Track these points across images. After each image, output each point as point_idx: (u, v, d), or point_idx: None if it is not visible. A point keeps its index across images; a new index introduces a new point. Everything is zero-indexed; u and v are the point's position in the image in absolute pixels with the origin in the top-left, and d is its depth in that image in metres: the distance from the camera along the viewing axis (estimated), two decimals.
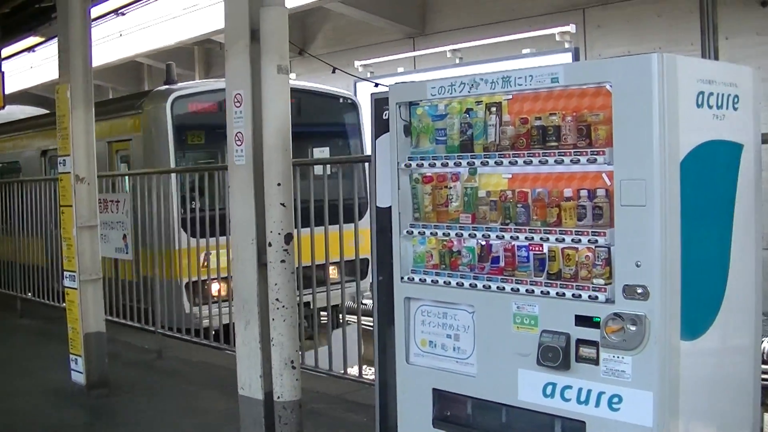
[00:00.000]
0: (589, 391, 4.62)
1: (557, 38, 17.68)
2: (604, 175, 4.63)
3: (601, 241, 4.54)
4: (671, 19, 17.20)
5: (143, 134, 13.74)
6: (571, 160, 4.63)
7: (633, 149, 4.40)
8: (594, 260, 4.60)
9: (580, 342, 4.63)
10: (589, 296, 4.59)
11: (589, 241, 4.58)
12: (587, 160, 4.58)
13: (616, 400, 4.53)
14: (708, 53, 16.00)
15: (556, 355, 4.66)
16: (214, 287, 10.80)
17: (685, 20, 16.73)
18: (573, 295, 4.66)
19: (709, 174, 4.70)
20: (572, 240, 4.64)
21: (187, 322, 11.92)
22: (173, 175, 12.41)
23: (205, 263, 10.69)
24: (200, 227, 10.67)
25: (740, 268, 4.87)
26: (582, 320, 4.62)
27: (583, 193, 4.66)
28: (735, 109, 4.82)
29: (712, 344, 4.72)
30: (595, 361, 4.57)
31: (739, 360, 5.03)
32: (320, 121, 14.85)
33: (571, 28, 17.58)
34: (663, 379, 4.41)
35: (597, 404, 4.60)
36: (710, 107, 4.65)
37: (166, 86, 14.03)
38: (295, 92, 9.55)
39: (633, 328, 4.40)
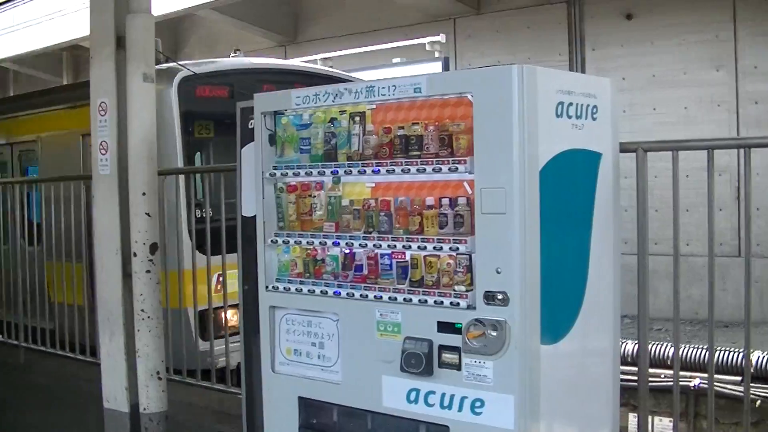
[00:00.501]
0: (452, 396, 4.69)
1: (427, 47, 17.86)
2: (465, 183, 4.69)
3: (462, 248, 4.60)
4: (540, 30, 17.58)
5: None
6: (433, 169, 4.69)
7: (493, 158, 4.48)
8: (455, 267, 4.66)
9: (443, 348, 4.69)
10: (451, 303, 4.65)
11: (450, 248, 4.64)
12: (449, 169, 4.64)
13: (478, 404, 4.61)
14: (575, 64, 16.45)
15: (419, 361, 4.70)
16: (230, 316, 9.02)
17: (554, 31, 17.15)
18: (435, 302, 4.71)
19: (568, 182, 4.81)
20: (434, 248, 4.70)
21: (200, 361, 8.99)
22: (181, 177, 9.26)
23: (219, 287, 8.56)
24: (211, 241, 8.02)
25: (599, 272, 5.00)
26: (444, 326, 4.68)
27: (445, 201, 4.72)
28: (594, 119, 4.94)
29: (571, 347, 4.83)
30: (458, 367, 4.64)
31: (598, 362, 5.15)
32: None
33: (441, 38, 17.78)
34: (523, 382, 4.50)
35: (460, 409, 4.66)
36: (569, 117, 4.76)
37: (167, 65, 10.55)
38: (292, 75, 9.33)
39: (494, 333, 4.48)
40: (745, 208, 5.29)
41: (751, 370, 10.11)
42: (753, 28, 14.27)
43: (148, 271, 6.62)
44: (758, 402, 9.78)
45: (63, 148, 11.71)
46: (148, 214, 6.63)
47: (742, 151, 5.34)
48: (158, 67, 8.89)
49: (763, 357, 10.44)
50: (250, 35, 22.44)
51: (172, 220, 8.89)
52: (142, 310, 6.63)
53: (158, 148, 7.07)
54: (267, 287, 5.46)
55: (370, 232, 5.00)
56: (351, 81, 10.55)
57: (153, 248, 6.62)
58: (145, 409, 6.68)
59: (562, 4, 17.01)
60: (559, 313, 4.71)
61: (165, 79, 9.83)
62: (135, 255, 6.63)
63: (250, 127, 5.65)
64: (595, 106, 4.94)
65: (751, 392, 9.49)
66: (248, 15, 21.73)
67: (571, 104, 4.76)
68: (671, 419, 8.45)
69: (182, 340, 8.33)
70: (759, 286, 12.25)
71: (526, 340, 4.48)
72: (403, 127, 4.88)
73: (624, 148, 5.26)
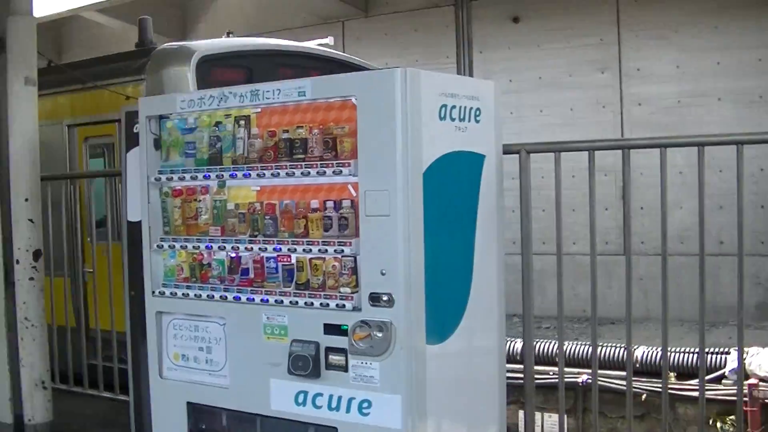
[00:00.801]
0: (339, 398, 4.71)
1: None
2: (349, 186, 4.72)
3: (347, 250, 4.63)
4: (428, 32, 17.69)
5: None
6: (317, 172, 4.71)
7: (377, 161, 4.52)
8: (341, 270, 4.69)
9: (330, 350, 4.71)
10: (337, 305, 4.68)
11: (335, 251, 4.67)
12: (333, 172, 4.67)
13: (366, 405, 4.64)
14: (463, 66, 16.59)
15: (306, 363, 4.72)
16: None
17: (442, 34, 17.28)
18: (321, 304, 4.74)
19: (452, 184, 4.87)
20: (319, 250, 4.72)
21: None
22: None
23: None
24: None
25: (483, 272, 5.07)
26: (330, 329, 4.71)
27: (329, 204, 4.75)
28: (477, 121, 5.01)
29: (457, 347, 4.89)
30: (345, 368, 4.67)
31: (484, 360, 5.22)
32: None
33: (329, 40, 17.76)
34: (410, 382, 4.55)
35: (348, 410, 4.69)
36: (453, 120, 4.82)
37: (179, 43, 9.15)
38: (310, 59, 8.55)
39: (379, 334, 4.51)
40: (625, 207, 5.40)
41: (636, 365, 10.39)
42: (636, 32, 14.58)
43: (31, 279, 6.50)
44: (644, 396, 10.00)
45: None
46: (31, 221, 6.51)
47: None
48: (170, 45, 8.53)
49: (648, 352, 10.67)
50: (136, 37, 22.09)
51: None
52: (26, 318, 6.51)
53: None
54: (153, 292, 5.42)
55: (256, 236, 5.00)
56: (368, 69, 9.13)
57: (36, 255, 6.50)
58: (30, 419, 6.56)
59: (450, 7, 17.16)
60: (444, 313, 4.77)
61: (181, 59, 8.40)
62: (18, 262, 6.50)
63: (135, 131, 5.59)
64: (478, 109, 5.01)
65: (637, 387, 9.78)
66: (134, 17, 21.39)
67: (454, 107, 4.82)
68: None
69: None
70: (643, 283, 12.54)
71: (412, 341, 4.53)
72: (287, 131, 4.89)
73: (507, 150, 5.35)
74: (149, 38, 10.02)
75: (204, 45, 8.67)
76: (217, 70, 8.53)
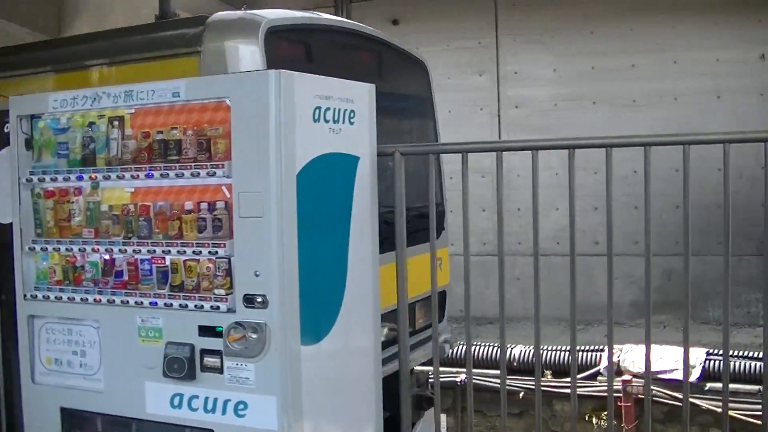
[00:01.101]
0: (215, 400, 4.71)
1: None
2: (223, 187, 4.73)
3: (221, 252, 4.63)
4: None
5: None
6: (191, 174, 4.71)
7: (250, 162, 4.53)
8: (215, 271, 4.68)
9: (205, 352, 4.71)
10: (212, 307, 4.68)
11: (209, 252, 4.67)
12: (207, 174, 4.67)
13: (241, 406, 4.65)
14: None
15: (181, 366, 4.71)
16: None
17: None
18: (196, 306, 4.73)
19: (326, 185, 4.91)
20: (193, 252, 4.72)
21: None
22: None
23: None
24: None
25: (358, 273, 5.12)
26: (205, 330, 4.71)
27: (204, 205, 4.75)
28: (351, 123, 5.06)
29: (333, 347, 4.93)
30: (220, 370, 4.67)
31: (360, 360, 5.27)
32: (404, 92, 9.49)
33: None
34: (285, 383, 4.58)
35: (224, 412, 4.70)
36: (327, 122, 4.86)
37: (239, 12, 7.17)
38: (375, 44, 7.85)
39: (254, 336, 4.53)
40: (499, 208, 5.49)
41: (514, 364, 10.57)
42: (514, 36, 14.76)
43: None
44: (521, 394, 10.16)
45: None
46: None
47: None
48: (228, 14, 7.02)
49: (525, 351, 10.82)
50: (11, 33, 21.57)
51: None
52: None
53: None
54: (25, 296, 5.33)
55: (130, 238, 4.96)
56: (418, 58, 9.17)
57: None
58: None
59: (330, 9, 17.17)
60: (319, 313, 4.81)
61: (243, 30, 6.69)
62: None
63: (6, 131, 5.49)
64: (352, 111, 5.06)
65: (513, 385, 9.95)
66: (6, 10, 20.87)
67: (328, 109, 4.86)
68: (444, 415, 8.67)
69: None
70: (521, 283, 12.70)
71: (287, 342, 4.55)
72: (162, 132, 4.87)
73: (382, 152, 5.38)
74: (172, 10, 8.35)
75: (268, 15, 7.07)
76: (281, 44, 7.05)
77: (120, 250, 4.99)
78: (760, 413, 5.59)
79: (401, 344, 5.63)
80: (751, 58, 13.37)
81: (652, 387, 7.13)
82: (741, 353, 10.26)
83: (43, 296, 5.28)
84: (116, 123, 5.04)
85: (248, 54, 6.58)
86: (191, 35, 6.85)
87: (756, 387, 9.44)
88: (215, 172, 4.62)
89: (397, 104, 8.81)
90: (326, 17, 8.00)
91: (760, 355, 9.19)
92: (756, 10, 13.24)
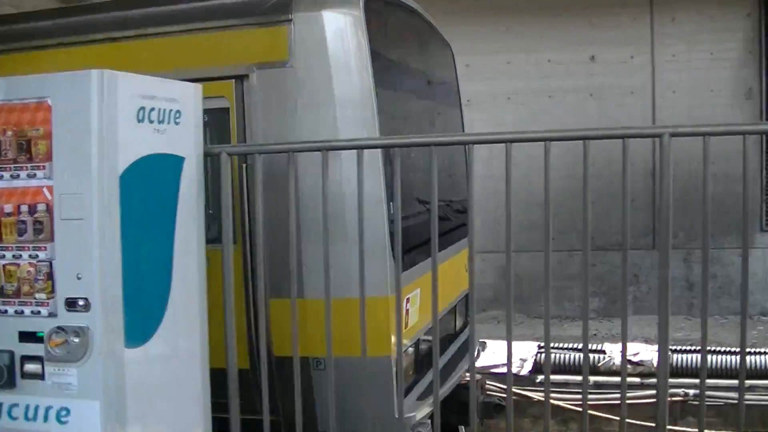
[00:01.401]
0: (36, 407, 4.60)
1: None
2: (44, 189, 4.60)
3: (42, 255, 4.54)
4: None
5: (295, 67, 5.90)
6: (10, 176, 4.59)
7: (72, 164, 4.46)
8: (36, 275, 4.57)
9: (25, 358, 4.60)
10: (32, 311, 4.57)
11: (30, 256, 4.57)
12: (27, 175, 4.56)
13: (64, 413, 4.56)
14: None
15: (0, 374, 4.58)
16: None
17: None
18: (16, 311, 4.62)
19: (151, 186, 4.85)
20: (13, 256, 4.60)
21: None
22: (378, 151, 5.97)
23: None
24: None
25: (183, 274, 5.06)
26: (26, 336, 4.59)
27: (24, 208, 4.61)
28: (177, 123, 5.00)
29: (158, 350, 4.86)
30: (41, 377, 4.57)
31: (186, 362, 5.20)
32: (436, 69, 8.60)
33: None
34: (108, 387, 4.51)
35: (45, 419, 4.59)
36: (151, 122, 4.80)
37: None
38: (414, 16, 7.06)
39: (76, 340, 4.45)
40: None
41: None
42: None
43: None
44: None
45: None
46: None
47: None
48: None
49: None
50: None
51: None
52: None
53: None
54: None
55: None
56: (447, 43, 8.47)
57: None
58: None
59: None
60: (143, 315, 4.75)
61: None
62: None
63: None
64: (178, 111, 5.00)
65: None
66: None
67: (153, 109, 4.80)
68: None
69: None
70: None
71: (110, 345, 4.49)
72: None
73: (208, 152, 5.31)
74: None
75: None
76: (379, 15, 6.47)
77: None
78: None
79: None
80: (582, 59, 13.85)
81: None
82: (571, 346, 10.66)
83: None
84: None
85: (350, 23, 6.05)
86: (277, 1, 6.15)
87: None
88: (36, 174, 4.53)
89: (435, 89, 8.42)
90: None
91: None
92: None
